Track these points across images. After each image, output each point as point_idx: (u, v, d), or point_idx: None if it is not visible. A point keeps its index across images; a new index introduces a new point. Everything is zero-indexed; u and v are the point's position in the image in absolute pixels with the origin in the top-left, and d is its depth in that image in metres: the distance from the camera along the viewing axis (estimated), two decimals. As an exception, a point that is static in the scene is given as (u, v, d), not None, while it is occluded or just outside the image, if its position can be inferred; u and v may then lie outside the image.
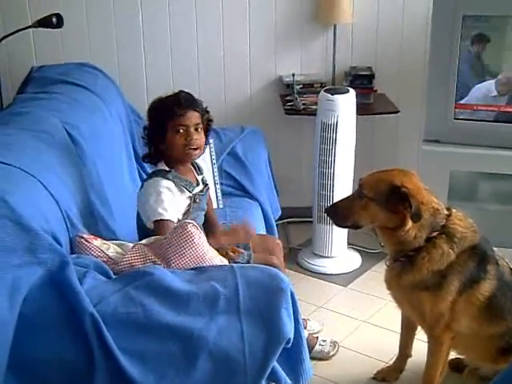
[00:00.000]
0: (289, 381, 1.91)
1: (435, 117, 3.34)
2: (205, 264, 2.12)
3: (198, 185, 2.46)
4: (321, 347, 2.80)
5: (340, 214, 2.37)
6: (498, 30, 3.21)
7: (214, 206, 3.13)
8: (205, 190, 2.50)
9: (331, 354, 2.81)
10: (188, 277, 2.01)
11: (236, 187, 3.30)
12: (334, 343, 2.86)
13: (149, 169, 2.83)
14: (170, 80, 3.79)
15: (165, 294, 1.91)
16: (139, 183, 3.09)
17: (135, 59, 3.76)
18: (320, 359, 2.78)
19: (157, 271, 1.99)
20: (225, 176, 3.30)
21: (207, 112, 2.46)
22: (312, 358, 2.67)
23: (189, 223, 2.15)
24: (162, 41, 3.75)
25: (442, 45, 3.22)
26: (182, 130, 2.34)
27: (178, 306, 1.88)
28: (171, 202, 2.31)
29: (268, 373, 1.83)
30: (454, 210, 2.33)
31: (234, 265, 2.07)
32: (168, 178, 2.34)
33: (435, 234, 2.27)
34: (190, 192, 2.39)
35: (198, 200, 2.42)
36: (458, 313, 2.31)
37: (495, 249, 2.40)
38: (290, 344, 1.89)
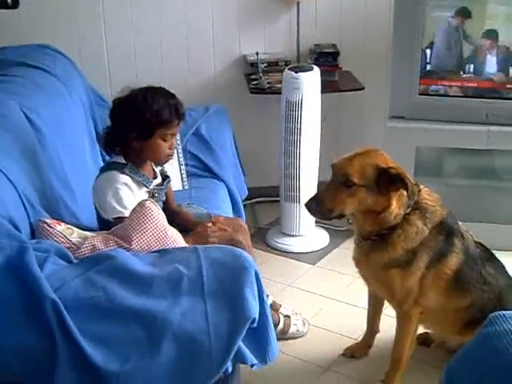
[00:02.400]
0: (255, 361, 1.90)
1: (400, 93, 3.33)
2: (167, 241, 2.10)
3: (155, 178, 2.42)
4: (295, 327, 2.80)
5: (324, 207, 2.24)
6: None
7: (179, 187, 3.10)
8: (165, 183, 2.46)
9: (305, 331, 2.83)
10: (151, 259, 1.97)
11: (201, 168, 3.26)
12: (304, 321, 2.86)
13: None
14: (133, 60, 3.73)
15: (127, 277, 1.87)
16: (102, 166, 3.05)
17: (96, 40, 3.68)
18: (297, 337, 2.80)
19: (119, 254, 1.95)
20: (189, 157, 3.26)
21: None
22: (289, 339, 2.75)
23: (146, 200, 2.14)
24: (123, 20, 3.67)
25: (406, 19, 3.20)
26: (168, 138, 2.32)
27: (141, 288, 1.85)
28: (129, 198, 2.26)
29: (234, 353, 1.81)
30: (421, 186, 2.32)
31: (197, 246, 2.04)
32: (124, 173, 2.29)
33: (409, 210, 2.26)
34: (147, 187, 2.35)
35: (156, 194, 2.39)
36: (427, 288, 2.31)
37: (460, 223, 2.41)
38: (256, 324, 1.87)
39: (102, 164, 3.04)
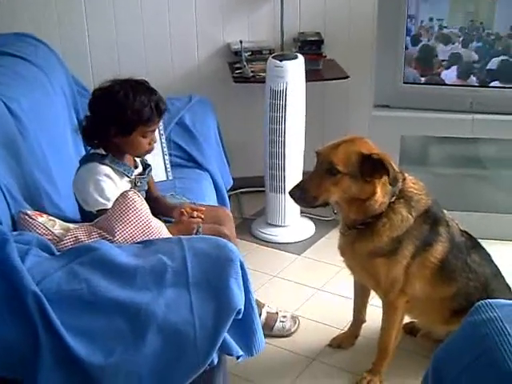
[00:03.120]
0: (241, 352, 1.88)
1: (384, 81, 3.31)
2: (151, 232, 2.07)
3: (136, 167, 2.39)
4: (281, 324, 2.75)
5: (309, 194, 2.22)
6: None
7: (163, 177, 3.07)
8: (146, 172, 2.43)
9: (292, 329, 2.77)
10: (134, 250, 1.94)
11: (185, 158, 3.23)
12: (295, 318, 2.80)
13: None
14: (115, 49, 3.68)
15: (110, 269, 1.84)
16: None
17: (77, 28, 3.62)
18: (282, 336, 2.74)
19: (102, 246, 1.92)
20: (173, 147, 3.22)
21: None
22: (274, 336, 2.70)
23: (129, 191, 2.11)
24: (104, 9, 3.62)
25: (390, 7, 3.18)
26: (148, 135, 2.29)
27: (125, 280, 1.82)
28: (111, 189, 2.22)
29: (219, 345, 1.79)
30: (406, 174, 2.31)
31: (182, 237, 2.01)
32: (105, 164, 2.26)
33: (393, 198, 2.25)
34: (128, 177, 2.32)
35: (138, 183, 2.36)
36: (412, 276, 2.31)
37: (445, 211, 2.40)
38: (241, 315, 1.85)
39: (84, 154, 3.02)
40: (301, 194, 2.23)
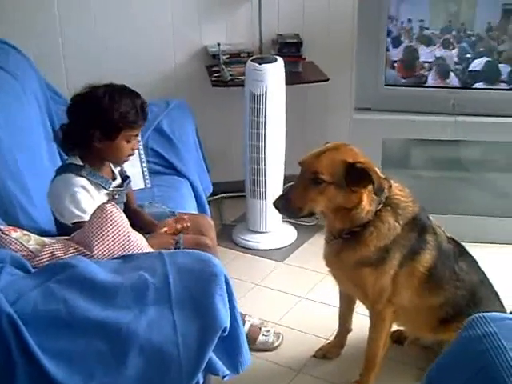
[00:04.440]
0: (227, 371, 1.81)
1: (365, 84, 3.26)
2: (130, 246, 1.99)
3: (114, 179, 2.31)
4: (265, 337, 2.67)
5: (294, 205, 2.15)
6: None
7: (141, 185, 2.99)
8: (125, 184, 2.35)
9: (275, 344, 2.68)
10: (114, 266, 1.87)
11: (164, 165, 3.15)
12: (278, 334, 2.72)
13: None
14: (89, 52, 3.56)
15: (89, 287, 1.76)
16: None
17: (50, 32, 3.51)
18: (264, 350, 2.66)
19: (80, 262, 1.84)
20: (151, 154, 3.14)
21: None
22: (256, 350, 2.61)
23: (107, 203, 2.03)
24: (78, 11, 3.51)
25: (370, 8, 3.13)
26: (131, 139, 2.24)
27: (104, 299, 1.75)
28: (88, 201, 2.15)
29: (204, 365, 1.72)
30: (392, 181, 2.25)
31: (163, 251, 1.93)
32: (81, 175, 2.18)
33: (380, 206, 2.19)
34: (106, 189, 2.24)
35: (116, 196, 2.28)
36: (400, 286, 2.25)
37: (432, 218, 2.35)
38: (227, 332, 1.78)
39: (59, 163, 2.92)
40: (285, 204, 2.16)
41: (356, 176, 2.09)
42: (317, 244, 3.41)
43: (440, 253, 2.29)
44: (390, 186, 2.23)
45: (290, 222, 3.59)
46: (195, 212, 2.90)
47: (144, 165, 3.05)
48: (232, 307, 1.81)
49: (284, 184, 3.47)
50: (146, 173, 3.04)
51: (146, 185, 3.01)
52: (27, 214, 2.45)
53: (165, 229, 2.26)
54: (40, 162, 2.77)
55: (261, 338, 2.66)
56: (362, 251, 2.21)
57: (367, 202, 2.15)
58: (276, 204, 2.18)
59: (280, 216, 3.49)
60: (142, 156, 3.05)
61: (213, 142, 3.67)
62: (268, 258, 3.37)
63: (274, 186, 3.39)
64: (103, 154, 2.24)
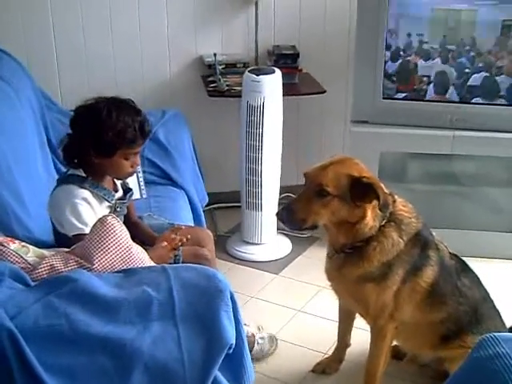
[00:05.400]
0: (232, 389, 1.77)
1: (363, 97, 3.25)
2: (132, 259, 1.95)
3: (116, 191, 2.27)
4: (260, 346, 2.63)
5: (297, 217, 2.12)
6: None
7: (137, 195, 2.95)
8: (127, 197, 2.31)
9: (271, 350, 2.66)
10: (116, 281, 1.82)
11: (160, 175, 3.11)
12: (272, 338, 2.70)
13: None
14: (83, 61, 3.53)
15: (91, 302, 1.72)
16: (55, 174, 2.87)
17: (44, 39, 3.46)
18: (261, 358, 2.62)
19: (81, 276, 1.80)
20: (147, 163, 3.10)
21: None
22: (252, 359, 2.55)
23: (108, 216, 1.99)
24: (72, 21, 3.47)
25: (369, 21, 3.12)
26: (130, 157, 2.17)
27: (107, 314, 1.70)
28: (89, 214, 2.11)
29: (210, 383, 1.68)
30: (395, 196, 2.23)
31: (166, 266, 1.89)
32: (84, 187, 2.14)
33: (384, 222, 2.17)
34: (109, 202, 2.20)
35: (118, 208, 2.24)
36: (402, 302, 2.23)
37: (434, 234, 2.33)
38: (232, 349, 1.74)
39: (54, 172, 2.88)
40: (289, 216, 2.13)
41: (361, 190, 2.07)
42: (312, 256, 3.43)
43: (442, 268, 2.27)
44: (394, 202, 2.21)
45: (284, 234, 3.56)
46: (192, 223, 2.86)
47: (140, 175, 3.01)
48: (237, 323, 1.77)
49: (279, 195, 3.46)
50: (141, 183, 3.00)
51: (141, 195, 2.97)
52: (22, 224, 2.40)
53: (165, 243, 2.21)
54: (35, 171, 2.72)
55: (256, 348, 2.62)
56: (365, 266, 2.18)
57: (371, 217, 2.13)
58: (279, 215, 2.15)
59: (275, 227, 3.47)
60: (138, 166, 3.00)
61: (207, 152, 3.63)
62: (263, 270, 3.33)
63: (270, 197, 3.36)
64: (102, 169, 2.19)
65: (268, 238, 3.45)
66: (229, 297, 1.77)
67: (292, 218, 2.14)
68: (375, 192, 2.05)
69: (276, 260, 3.42)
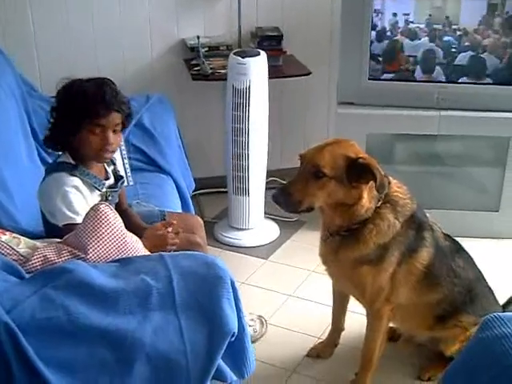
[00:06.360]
0: (235, 377, 1.75)
1: (349, 78, 3.22)
2: (126, 248, 1.90)
3: (107, 178, 2.21)
4: (252, 328, 2.61)
5: (293, 199, 2.08)
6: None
7: (124, 183, 2.89)
8: (119, 185, 2.25)
9: (263, 331, 2.66)
10: (113, 270, 1.78)
11: (146, 161, 3.06)
12: (261, 318, 2.70)
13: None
14: (63, 46, 3.44)
15: (89, 293, 1.68)
16: (39, 163, 2.81)
17: (22, 24, 3.36)
18: (253, 341, 2.57)
19: (77, 267, 1.75)
20: (133, 150, 3.04)
21: (129, 108, 2.18)
22: None
23: (101, 204, 1.93)
24: (51, 5, 3.38)
25: (355, 1, 3.08)
26: (98, 131, 2.07)
27: (106, 305, 1.66)
28: (80, 202, 2.05)
29: (213, 372, 1.66)
30: (390, 178, 2.22)
31: (164, 254, 1.86)
32: (74, 175, 2.07)
33: (379, 203, 2.15)
34: (99, 190, 2.14)
35: (110, 197, 2.18)
36: (398, 284, 2.22)
37: (428, 214, 2.33)
38: (235, 337, 1.72)
39: (38, 161, 2.82)
40: (285, 198, 2.10)
41: (358, 171, 2.05)
42: (300, 240, 3.41)
43: (437, 250, 2.26)
44: (389, 183, 2.19)
45: (272, 219, 3.54)
46: (180, 210, 2.82)
47: (126, 161, 2.95)
48: (238, 311, 1.75)
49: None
50: (127, 170, 2.94)
51: (128, 182, 2.90)
52: (8, 214, 2.35)
53: (161, 232, 2.16)
54: (20, 160, 2.66)
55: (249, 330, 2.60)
56: (361, 249, 2.17)
57: (367, 199, 2.11)
58: (276, 197, 2.11)
59: (262, 212, 3.44)
60: (124, 153, 2.96)
61: (191, 137, 3.58)
62: (252, 256, 3.31)
63: (257, 182, 3.33)
64: (79, 151, 2.11)
65: (255, 222, 3.42)
66: (230, 284, 1.74)
67: (288, 200, 2.10)
68: (372, 173, 2.03)
69: (264, 245, 3.40)
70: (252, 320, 2.67)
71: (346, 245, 2.20)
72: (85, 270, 1.74)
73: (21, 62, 3.15)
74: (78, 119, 2.06)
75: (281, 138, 3.86)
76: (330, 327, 2.61)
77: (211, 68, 3.38)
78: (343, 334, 2.60)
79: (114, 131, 2.11)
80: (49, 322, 1.61)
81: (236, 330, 1.70)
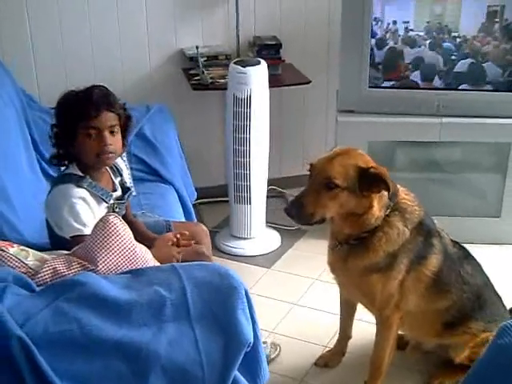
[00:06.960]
0: (250, 388, 1.74)
1: (349, 86, 3.22)
2: (136, 260, 1.89)
3: (114, 190, 2.20)
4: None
5: (306, 211, 2.06)
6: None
7: (126, 193, 2.88)
8: (126, 197, 2.24)
9: (272, 356, 2.59)
10: (124, 282, 1.76)
11: (148, 171, 3.05)
12: (276, 345, 2.64)
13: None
14: (61, 57, 3.42)
15: (102, 305, 1.66)
16: (40, 174, 2.80)
17: (20, 38, 3.34)
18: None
19: (89, 279, 1.73)
20: (134, 160, 3.03)
21: (125, 109, 2.16)
22: None
23: (110, 215, 1.92)
24: (48, 15, 3.35)
25: (355, 9, 3.09)
26: (93, 134, 2.05)
27: (120, 317, 1.65)
28: (87, 214, 2.03)
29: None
30: (398, 185, 2.21)
31: (176, 264, 1.84)
32: (81, 186, 2.05)
33: (388, 211, 2.15)
34: (106, 202, 2.13)
35: (117, 209, 2.17)
36: (407, 291, 2.22)
37: (436, 221, 2.32)
38: (250, 347, 1.70)
39: (39, 172, 2.80)
40: (297, 210, 2.07)
41: (369, 181, 2.05)
42: (303, 249, 3.41)
43: (446, 256, 2.26)
44: (397, 190, 2.19)
45: (273, 227, 3.53)
46: (183, 219, 2.81)
47: (128, 172, 2.93)
48: (253, 321, 1.74)
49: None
50: (130, 180, 2.92)
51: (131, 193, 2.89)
52: (12, 226, 2.33)
53: (170, 242, 2.15)
54: (21, 171, 2.65)
55: None
56: (371, 257, 2.16)
57: (378, 208, 2.11)
58: (288, 210, 2.09)
59: (264, 221, 3.43)
60: (125, 163, 2.94)
61: (192, 147, 3.57)
62: (255, 265, 3.29)
63: (258, 191, 3.32)
64: (82, 159, 2.10)
65: (257, 231, 3.41)
66: (244, 294, 1.73)
67: (301, 212, 2.08)
68: (384, 182, 2.03)
69: (266, 254, 3.38)
70: (264, 343, 2.57)
71: (355, 253, 2.19)
72: (97, 282, 1.73)
73: (19, 74, 3.13)
74: (72, 125, 2.05)
75: (279, 147, 3.85)
76: (336, 335, 2.60)
77: (211, 77, 3.37)
78: (351, 342, 2.59)
79: (112, 133, 2.09)
80: (62, 335, 1.60)
81: (252, 341, 1.69)
